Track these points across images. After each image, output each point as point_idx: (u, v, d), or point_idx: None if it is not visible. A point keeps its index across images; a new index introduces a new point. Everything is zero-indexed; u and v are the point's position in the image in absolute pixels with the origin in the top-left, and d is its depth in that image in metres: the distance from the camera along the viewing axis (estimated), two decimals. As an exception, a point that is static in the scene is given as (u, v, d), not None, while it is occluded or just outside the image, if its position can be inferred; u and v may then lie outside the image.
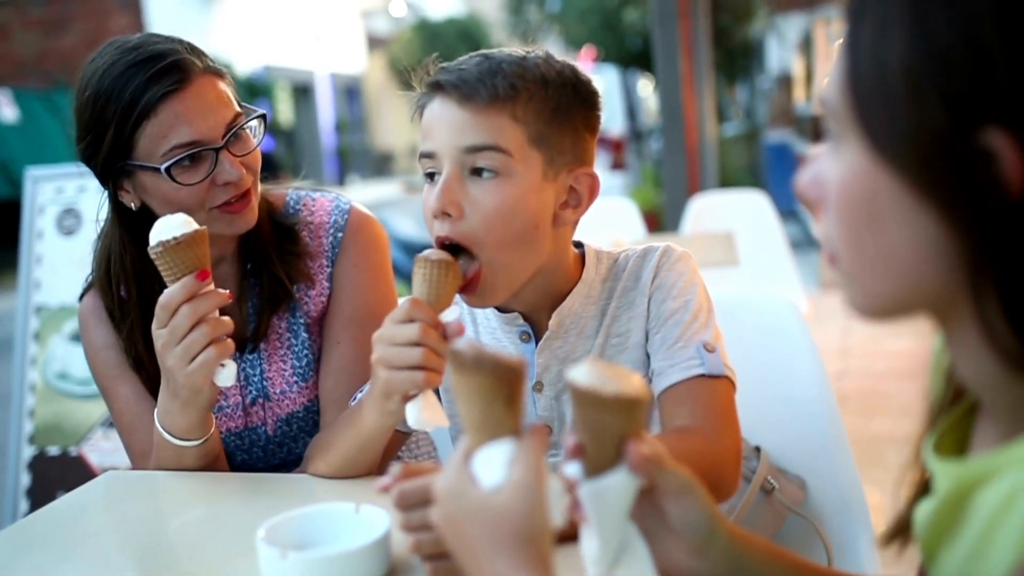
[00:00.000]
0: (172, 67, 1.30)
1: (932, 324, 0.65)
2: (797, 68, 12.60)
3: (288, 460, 1.52)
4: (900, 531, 0.74)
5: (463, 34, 23.05)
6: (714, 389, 1.15)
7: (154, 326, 1.23)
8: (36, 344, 2.68)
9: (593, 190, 1.20)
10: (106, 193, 1.39)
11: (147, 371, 1.40)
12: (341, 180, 23.08)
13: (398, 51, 23.47)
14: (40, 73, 12.84)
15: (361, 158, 26.62)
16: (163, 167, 1.30)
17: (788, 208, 8.08)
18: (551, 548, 0.72)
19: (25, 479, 2.63)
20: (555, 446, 1.24)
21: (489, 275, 1.14)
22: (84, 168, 1.38)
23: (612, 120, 12.82)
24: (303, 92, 22.28)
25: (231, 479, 1.36)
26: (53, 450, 2.63)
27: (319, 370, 1.47)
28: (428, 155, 1.15)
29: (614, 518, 0.76)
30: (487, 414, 0.73)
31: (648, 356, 1.22)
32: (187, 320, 1.20)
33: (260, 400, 1.47)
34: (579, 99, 1.17)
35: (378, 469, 1.26)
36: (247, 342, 1.46)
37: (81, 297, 1.49)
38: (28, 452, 2.64)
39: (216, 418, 1.42)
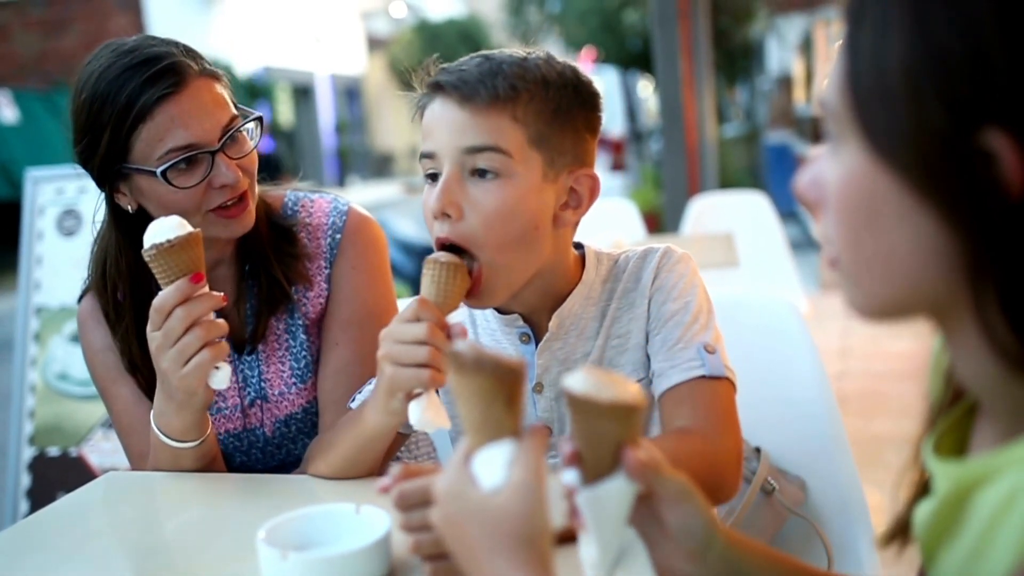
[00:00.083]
0: (168, 70, 1.30)
1: (932, 325, 0.65)
2: (797, 69, 12.59)
3: (287, 461, 1.51)
4: (900, 532, 0.74)
5: (463, 35, 23.04)
6: (715, 390, 1.15)
7: (149, 329, 1.23)
8: (36, 345, 2.68)
9: (593, 191, 1.20)
10: (102, 196, 1.39)
11: (142, 373, 1.40)
12: (341, 181, 23.08)
13: (398, 52, 23.45)
14: (40, 74, 12.85)
15: (361, 159, 26.61)
16: (159, 170, 1.30)
17: (788, 209, 8.08)
18: (551, 549, 0.72)
19: (25, 480, 2.63)
20: (555, 447, 1.24)
21: (489, 276, 1.14)
22: (82, 170, 1.38)
23: (612, 121, 12.81)
24: (303, 93, 22.27)
25: (231, 480, 1.36)
26: (53, 451, 2.63)
27: (318, 371, 1.47)
28: (428, 156, 1.16)
29: (612, 524, 0.76)
30: (487, 415, 0.73)
31: (648, 357, 1.22)
32: (181, 323, 1.20)
33: (258, 402, 1.47)
34: (580, 100, 1.17)
35: (378, 470, 1.26)
36: (245, 344, 1.46)
37: (80, 299, 1.49)
38: (28, 453, 2.64)
39: (214, 420, 1.42)
